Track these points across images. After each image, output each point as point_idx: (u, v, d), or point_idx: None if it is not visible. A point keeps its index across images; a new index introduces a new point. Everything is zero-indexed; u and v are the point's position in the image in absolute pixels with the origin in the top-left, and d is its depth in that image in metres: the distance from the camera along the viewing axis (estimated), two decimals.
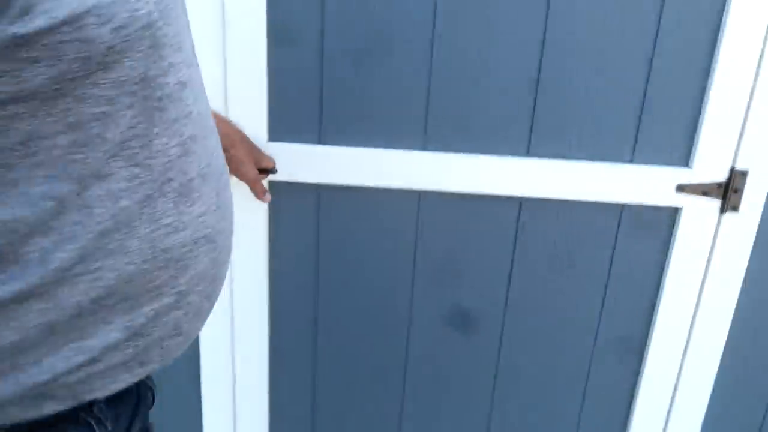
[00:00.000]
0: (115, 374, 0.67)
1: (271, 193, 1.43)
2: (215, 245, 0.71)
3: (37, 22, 0.47)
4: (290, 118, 1.38)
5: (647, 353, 1.51)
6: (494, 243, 1.46)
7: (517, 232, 1.44)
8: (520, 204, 1.42)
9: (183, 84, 0.63)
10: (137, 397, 0.76)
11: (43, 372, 0.63)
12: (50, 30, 0.49)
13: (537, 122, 1.35)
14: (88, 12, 0.50)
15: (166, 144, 0.62)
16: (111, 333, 0.64)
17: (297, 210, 1.45)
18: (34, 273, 0.57)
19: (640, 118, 1.35)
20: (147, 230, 0.62)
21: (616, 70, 1.32)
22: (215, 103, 1.37)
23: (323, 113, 1.37)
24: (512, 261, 1.47)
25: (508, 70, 1.32)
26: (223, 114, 1.37)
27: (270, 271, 1.49)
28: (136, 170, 0.60)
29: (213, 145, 0.70)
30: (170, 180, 0.63)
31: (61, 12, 0.48)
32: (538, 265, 1.47)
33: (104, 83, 0.54)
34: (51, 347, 0.62)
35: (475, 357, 1.54)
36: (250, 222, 1.44)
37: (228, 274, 1.47)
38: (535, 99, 1.34)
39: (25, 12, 0.47)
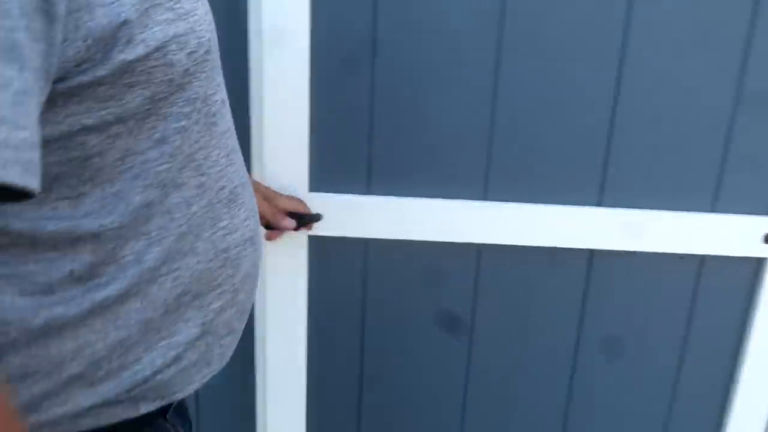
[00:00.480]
0: (192, 373, 0.72)
1: (312, 249, 1.28)
2: (255, 247, 0.77)
3: (137, 50, 0.56)
4: (335, 165, 1.23)
5: (729, 418, 1.37)
6: (561, 299, 1.31)
7: (587, 287, 1.30)
8: (591, 256, 1.28)
9: (224, 101, 0.71)
10: (187, 413, 0.81)
11: (144, 369, 0.68)
12: (146, 56, 0.57)
13: (610, 169, 1.22)
14: (171, 40, 0.59)
15: (219, 155, 0.69)
16: (190, 329, 0.70)
17: (342, 267, 1.30)
18: (133, 274, 0.64)
19: (722, 163, 1.22)
20: (209, 233, 0.69)
21: (697, 114, 1.19)
22: (249, 146, 1.22)
23: (372, 160, 1.22)
24: (581, 318, 1.32)
25: (579, 112, 1.18)
26: (257, 159, 1.22)
27: (309, 335, 1.34)
28: (202, 179, 0.67)
29: (241, 157, 0.78)
30: (223, 187, 0.70)
31: (153, 41, 0.57)
32: (611, 322, 1.33)
33: (180, 102, 0.62)
34: (148, 344, 0.68)
35: (541, 426, 1.39)
36: (287, 281, 1.28)
37: (263, 343, 1.31)
38: (608, 144, 1.20)
39: (128, 42, 0.55)
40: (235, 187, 0.73)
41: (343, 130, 1.20)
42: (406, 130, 1.20)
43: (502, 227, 1.25)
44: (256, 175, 1.21)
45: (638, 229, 1.24)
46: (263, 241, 1.24)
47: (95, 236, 0.61)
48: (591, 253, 1.28)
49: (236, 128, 0.78)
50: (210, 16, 0.67)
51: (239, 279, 0.74)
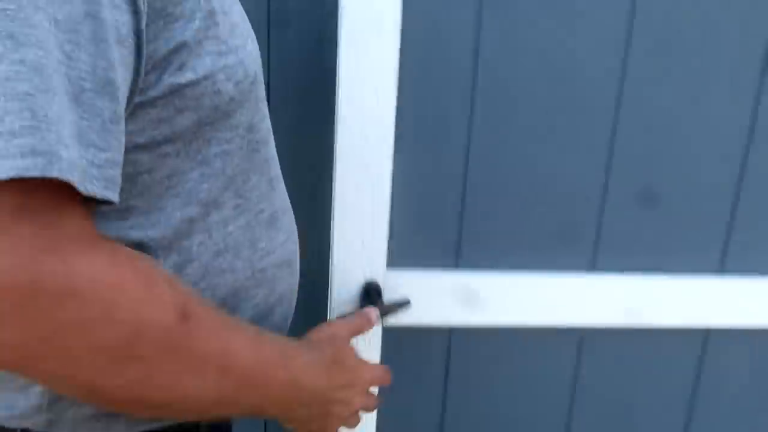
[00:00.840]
0: None
1: (383, 342, 1.01)
2: (292, 270, 0.78)
3: (187, 75, 0.60)
4: (418, 235, 0.99)
5: None
6: (672, 387, 1.10)
7: (700, 369, 1.10)
8: (707, 335, 1.09)
9: (269, 131, 0.75)
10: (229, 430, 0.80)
11: None
12: (195, 82, 0.61)
13: (734, 234, 1.05)
14: (220, 70, 0.63)
15: (259, 180, 0.72)
16: None
17: (418, 362, 1.03)
18: None
19: None
20: (248, 253, 0.71)
21: None
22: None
23: (463, 226, 0.99)
24: (692, 404, 1.12)
25: (706, 170, 1.01)
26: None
27: None
28: (240, 201, 0.70)
29: (283, 185, 0.79)
30: (262, 211, 0.73)
31: (203, 69, 0.61)
32: (725, 407, 1.13)
33: (225, 128, 0.66)
34: None
35: None
36: None
37: None
38: (733, 208, 1.04)
39: (180, 68, 0.60)
40: (275, 212, 0.75)
41: (429, 192, 0.97)
42: (502, 190, 0.98)
43: (608, 305, 1.04)
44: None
45: (757, 300, 1.07)
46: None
47: (139, 246, 0.64)
48: (706, 332, 1.09)
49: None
50: (257, 51, 0.70)
51: (274, 299, 0.75)
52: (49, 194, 0.50)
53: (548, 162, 0.98)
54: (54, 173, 0.47)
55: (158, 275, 0.55)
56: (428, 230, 0.98)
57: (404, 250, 0.98)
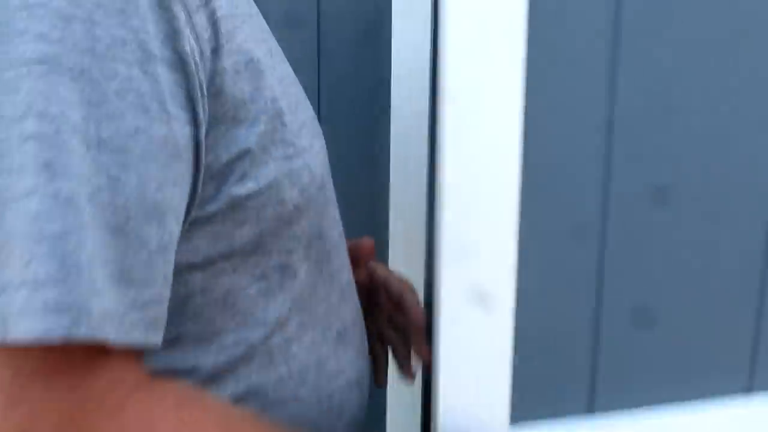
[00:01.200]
0: None
1: None
2: (362, 390, 0.71)
3: (249, 185, 0.54)
4: (547, 378, 0.79)
5: None
6: None
7: None
8: None
9: (342, 235, 0.67)
10: None
11: None
12: (257, 192, 0.54)
13: None
14: (285, 176, 0.56)
15: (328, 293, 0.64)
16: None
17: None
18: None
19: None
20: (314, 377, 0.64)
21: None
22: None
23: (598, 359, 0.79)
24: None
25: None
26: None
27: None
28: (305, 318, 0.62)
29: (355, 292, 0.71)
30: (330, 327, 0.65)
31: (265, 178, 0.55)
32: None
33: (287, 237, 0.58)
34: None
35: None
36: None
37: None
38: None
39: (241, 177, 0.53)
40: (345, 326, 0.67)
41: (556, 323, 0.77)
42: (640, 309, 0.79)
43: None
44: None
45: None
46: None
47: (189, 373, 0.56)
48: None
49: None
50: (324, 150, 0.65)
51: (343, 425, 0.68)
52: (76, 352, 0.44)
53: (691, 268, 0.79)
54: (80, 333, 0.42)
55: (207, 425, 0.49)
56: (557, 370, 0.79)
57: (530, 398, 0.78)
